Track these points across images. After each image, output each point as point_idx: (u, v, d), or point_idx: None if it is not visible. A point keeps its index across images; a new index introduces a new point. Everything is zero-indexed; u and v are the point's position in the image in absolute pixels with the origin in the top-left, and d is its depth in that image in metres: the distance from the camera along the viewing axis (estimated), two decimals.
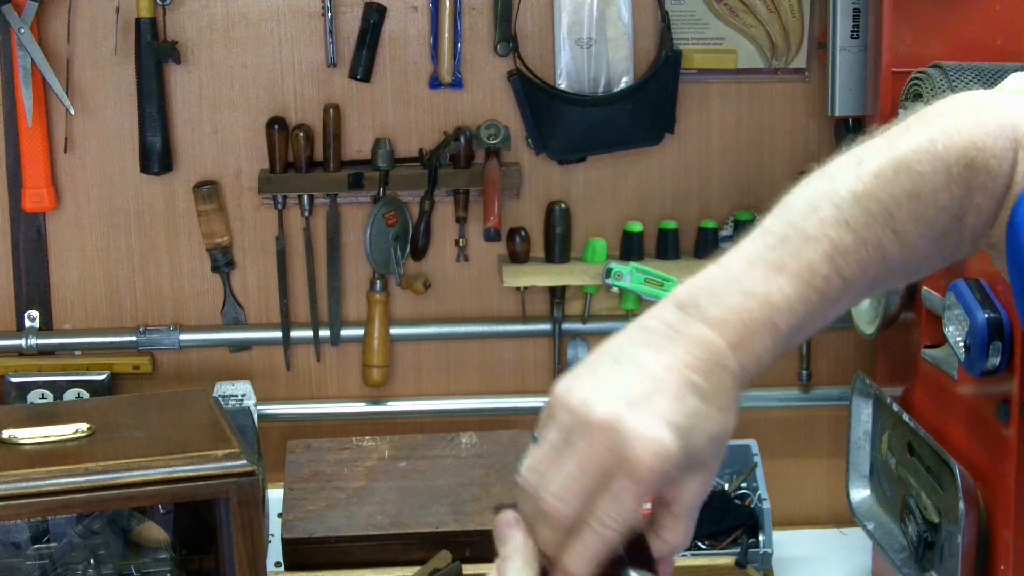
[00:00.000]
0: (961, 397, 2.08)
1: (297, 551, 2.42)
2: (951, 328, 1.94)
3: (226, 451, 1.94)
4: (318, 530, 2.42)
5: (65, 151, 2.63)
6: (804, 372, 2.76)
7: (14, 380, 2.63)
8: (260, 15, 2.64)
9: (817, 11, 2.69)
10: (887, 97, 2.46)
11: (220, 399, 2.50)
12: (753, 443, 2.61)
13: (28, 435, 1.98)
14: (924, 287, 2.21)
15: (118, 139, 2.65)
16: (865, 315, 2.40)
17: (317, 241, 2.69)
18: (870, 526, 2.39)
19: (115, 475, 1.88)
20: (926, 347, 2.23)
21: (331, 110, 2.62)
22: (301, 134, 2.61)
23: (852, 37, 2.59)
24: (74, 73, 2.61)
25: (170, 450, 1.94)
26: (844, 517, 2.54)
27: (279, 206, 2.65)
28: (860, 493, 2.46)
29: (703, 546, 2.48)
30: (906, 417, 2.18)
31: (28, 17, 2.52)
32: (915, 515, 2.17)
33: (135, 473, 1.89)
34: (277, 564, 2.43)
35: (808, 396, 2.77)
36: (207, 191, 2.64)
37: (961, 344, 1.91)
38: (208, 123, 2.67)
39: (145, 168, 2.62)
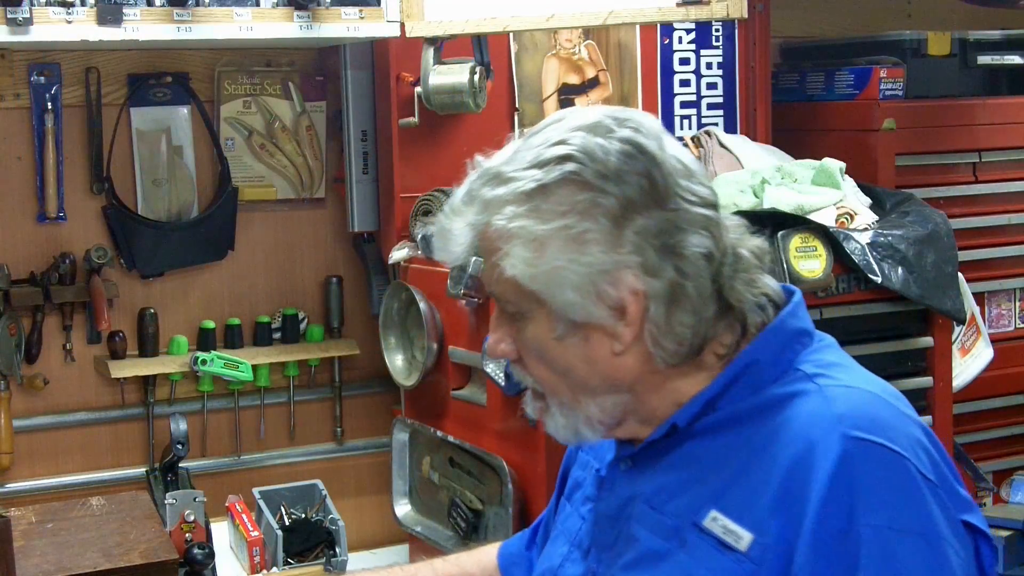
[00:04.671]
0: (493, 417, 2.97)
1: None
2: (491, 365, 2.83)
3: None
4: None
5: None
6: (338, 430, 3.60)
7: None
8: None
9: (333, 154, 3.55)
10: (399, 214, 3.35)
11: None
12: (318, 482, 3.39)
13: None
14: (450, 347, 3.10)
15: None
16: (402, 372, 3.25)
17: None
18: (417, 529, 3.22)
19: None
20: (454, 390, 3.11)
21: None
22: None
23: (364, 172, 3.46)
24: None
25: None
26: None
27: None
28: (403, 508, 3.29)
29: (293, 562, 3.22)
30: (450, 438, 3.06)
31: None
32: (461, 509, 3.02)
33: None
34: None
35: (344, 448, 3.62)
36: None
37: (501, 373, 2.80)
38: None
39: None
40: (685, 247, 1.63)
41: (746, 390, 1.69)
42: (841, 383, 1.66)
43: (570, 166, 1.62)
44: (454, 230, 1.69)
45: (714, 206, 1.68)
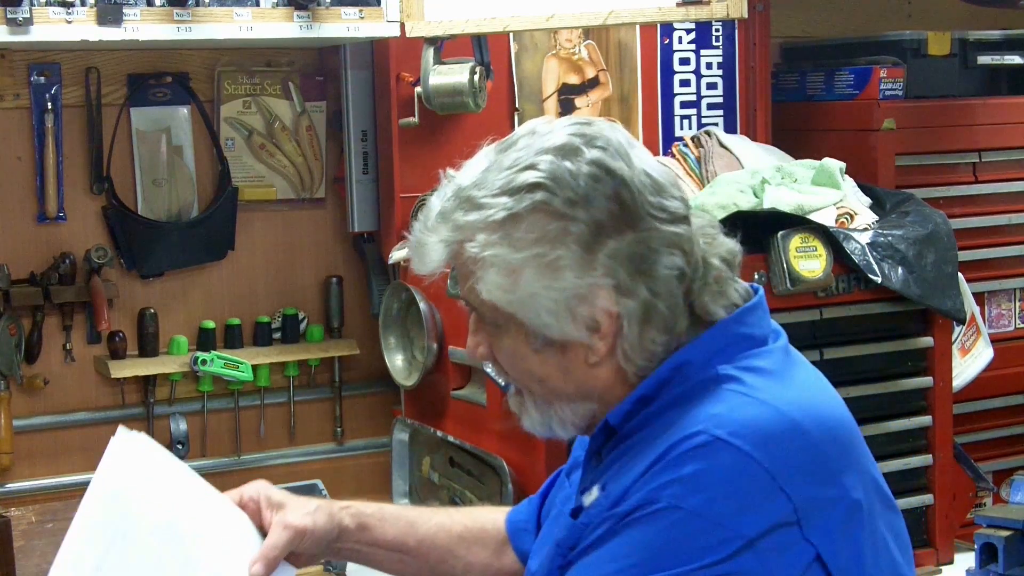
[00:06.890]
0: (493, 417, 2.97)
1: None
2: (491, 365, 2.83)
3: None
4: None
5: None
6: (338, 430, 3.60)
7: None
8: None
9: (333, 154, 3.55)
10: (399, 214, 3.35)
11: None
12: (318, 482, 3.39)
13: None
14: (450, 347, 3.10)
15: None
16: (402, 372, 3.26)
17: None
18: None
19: None
20: (454, 390, 3.12)
21: None
22: None
23: (364, 172, 3.47)
24: None
25: None
26: None
27: None
28: None
29: None
30: (450, 438, 3.06)
31: None
32: None
33: None
34: None
35: (344, 448, 3.62)
36: None
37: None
38: None
39: None
40: (657, 268, 1.66)
41: (675, 390, 1.69)
42: (745, 392, 1.65)
43: (540, 195, 1.64)
44: (429, 245, 1.72)
45: (685, 219, 1.70)
